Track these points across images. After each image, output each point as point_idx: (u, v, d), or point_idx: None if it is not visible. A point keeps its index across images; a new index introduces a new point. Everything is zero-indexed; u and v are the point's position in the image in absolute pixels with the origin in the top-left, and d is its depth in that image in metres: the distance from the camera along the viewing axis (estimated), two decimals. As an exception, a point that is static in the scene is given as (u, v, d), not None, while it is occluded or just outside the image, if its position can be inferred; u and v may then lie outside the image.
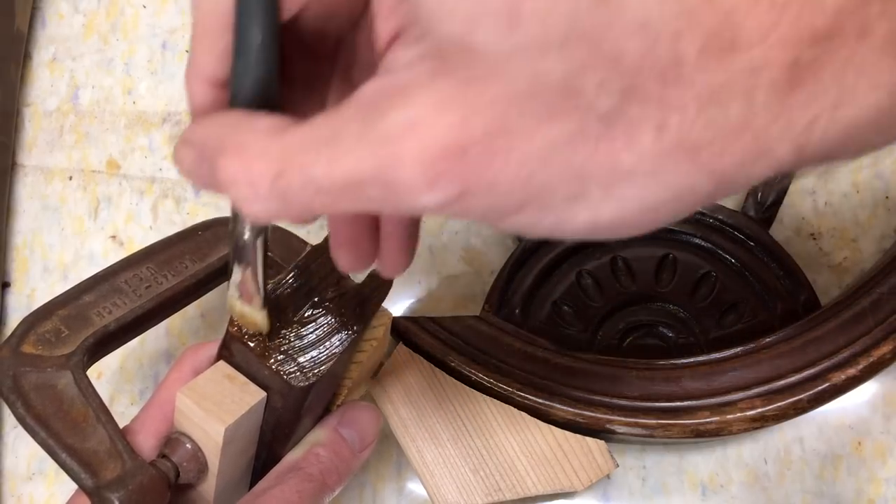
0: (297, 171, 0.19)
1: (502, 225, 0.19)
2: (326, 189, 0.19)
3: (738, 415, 0.37)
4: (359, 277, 0.32)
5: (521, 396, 0.38)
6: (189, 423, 0.30)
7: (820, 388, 0.38)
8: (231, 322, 0.30)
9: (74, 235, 0.45)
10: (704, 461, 0.41)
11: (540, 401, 0.38)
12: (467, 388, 0.39)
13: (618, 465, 0.38)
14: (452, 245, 0.44)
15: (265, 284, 0.28)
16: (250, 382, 0.30)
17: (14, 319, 0.44)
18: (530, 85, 0.17)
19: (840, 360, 0.38)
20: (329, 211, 0.20)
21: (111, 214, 0.46)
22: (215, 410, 0.29)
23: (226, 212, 0.45)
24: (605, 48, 0.17)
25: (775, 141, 0.17)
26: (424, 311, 0.43)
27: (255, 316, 0.29)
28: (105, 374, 0.43)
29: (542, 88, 0.17)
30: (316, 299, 0.31)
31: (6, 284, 0.45)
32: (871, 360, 0.38)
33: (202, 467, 0.30)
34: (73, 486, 0.32)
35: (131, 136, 0.47)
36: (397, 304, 0.43)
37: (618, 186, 0.18)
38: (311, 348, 0.30)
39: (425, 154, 0.17)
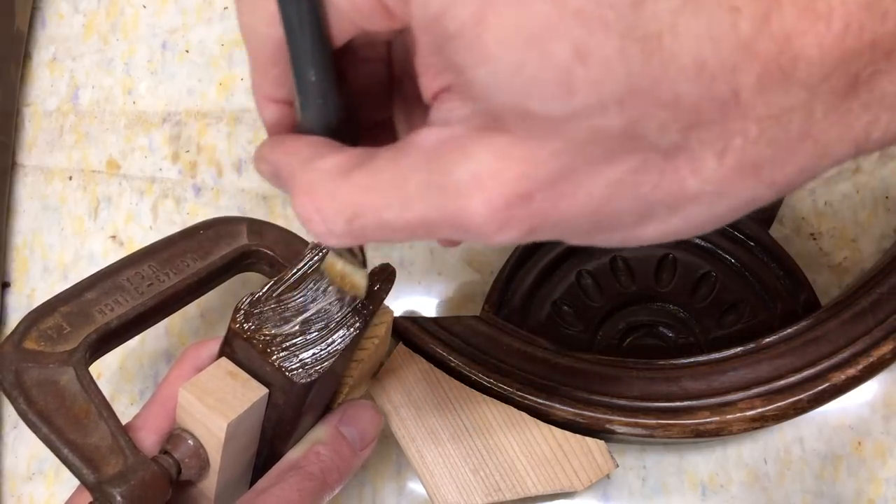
0: (370, 215, 0.20)
1: (571, 243, 0.20)
2: (400, 228, 0.20)
3: (738, 415, 0.37)
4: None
5: (521, 396, 0.38)
6: (191, 419, 0.30)
7: (820, 388, 0.38)
8: (233, 319, 0.30)
9: (74, 235, 0.45)
10: (704, 461, 0.41)
11: (540, 401, 0.38)
12: (467, 388, 0.39)
13: (618, 465, 0.38)
14: (452, 245, 0.44)
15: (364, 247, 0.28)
16: (252, 379, 0.30)
17: (14, 319, 0.44)
18: (590, 137, 0.18)
19: (840, 360, 0.38)
20: (401, 241, 0.22)
21: (111, 214, 0.46)
22: (217, 406, 0.29)
23: (226, 212, 0.45)
24: (663, 96, 0.17)
25: (835, 143, 0.18)
26: (424, 311, 0.43)
27: (356, 276, 0.29)
28: (105, 374, 0.43)
29: (603, 137, 0.18)
30: (318, 296, 0.31)
31: (6, 284, 0.45)
32: (871, 360, 0.38)
33: (204, 464, 0.30)
34: (73, 487, 0.32)
35: (131, 136, 0.47)
36: (397, 305, 0.43)
37: (684, 207, 0.19)
38: (312, 345, 0.30)
39: (492, 204, 0.18)
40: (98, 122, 0.47)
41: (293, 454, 0.32)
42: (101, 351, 0.33)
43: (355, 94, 0.26)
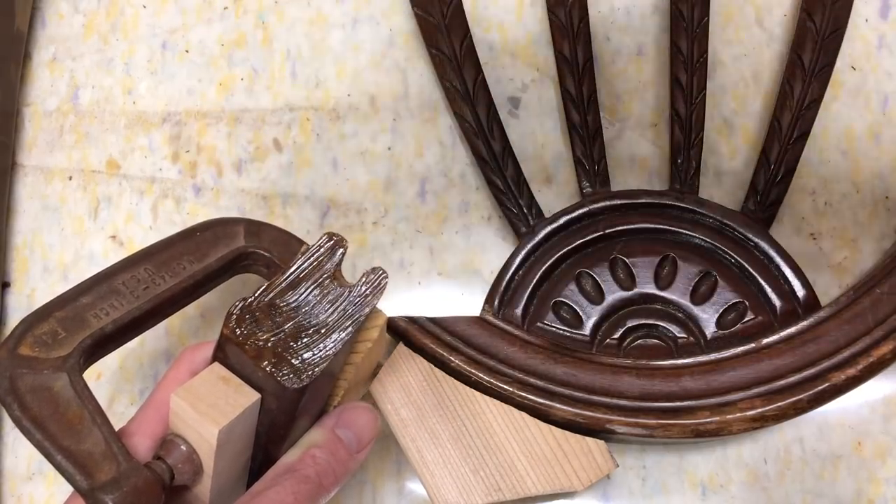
0: None
1: None
2: None
3: (738, 415, 0.37)
4: (354, 278, 0.32)
5: (521, 396, 0.38)
6: (184, 424, 0.30)
7: (820, 388, 0.38)
8: (225, 324, 0.30)
9: (74, 235, 0.45)
10: (704, 461, 0.41)
11: (540, 401, 0.38)
12: (467, 388, 0.39)
13: (618, 465, 0.38)
14: (452, 245, 0.44)
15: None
16: (244, 384, 0.30)
17: (14, 319, 0.44)
18: None
19: (840, 360, 0.38)
20: None
21: (111, 214, 0.46)
22: (209, 412, 0.29)
23: (225, 212, 0.45)
24: None
25: None
26: (424, 311, 0.43)
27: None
28: (105, 374, 0.43)
29: None
30: (309, 300, 0.31)
31: (6, 284, 0.45)
32: (871, 360, 0.38)
33: (197, 469, 0.30)
34: (73, 491, 0.32)
35: (131, 136, 0.47)
36: (397, 305, 0.43)
37: None
38: (304, 350, 0.30)
39: None
40: (98, 122, 0.47)
41: (288, 457, 0.32)
42: (97, 356, 0.33)
43: None
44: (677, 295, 0.41)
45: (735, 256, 0.41)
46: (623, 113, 0.45)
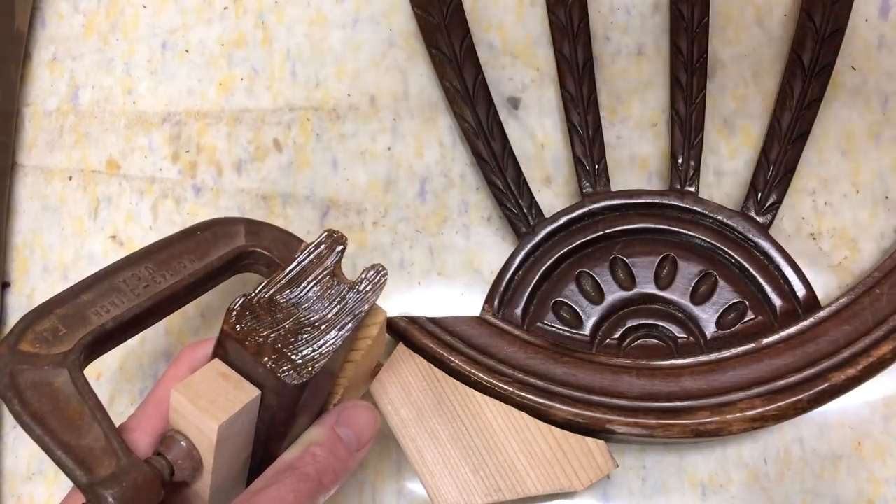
0: None
1: None
2: None
3: (738, 415, 0.37)
4: (354, 277, 0.32)
5: (520, 396, 0.38)
6: (184, 420, 0.30)
7: (820, 388, 0.38)
8: (225, 320, 0.30)
9: (74, 235, 0.45)
10: (704, 461, 0.41)
11: (540, 401, 0.38)
12: (467, 388, 0.39)
13: (618, 465, 0.38)
14: (452, 245, 0.44)
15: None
16: (244, 380, 0.30)
17: (14, 319, 0.44)
18: None
19: (840, 360, 0.38)
20: None
21: (111, 214, 0.46)
22: (209, 408, 0.29)
23: (225, 212, 0.45)
24: None
25: None
26: (424, 311, 0.43)
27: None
28: (105, 374, 0.43)
29: None
30: (309, 297, 0.31)
31: (6, 284, 0.45)
32: (871, 360, 0.38)
33: (197, 465, 0.30)
34: (73, 487, 0.32)
35: (131, 136, 0.47)
36: (397, 305, 0.43)
37: None
38: (304, 346, 0.30)
39: None
40: (98, 122, 0.47)
41: (288, 455, 0.32)
42: (97, 353, 0.33)
43: None
44: (677, 295, 0.41)
45: (735, 256, 0.41)
46: (623, 113, 0.45)
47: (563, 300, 0.41)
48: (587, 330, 0.41)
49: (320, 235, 0.33)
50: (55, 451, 0.29)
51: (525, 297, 0.41)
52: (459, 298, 0.43)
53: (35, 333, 0.32)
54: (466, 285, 0.43)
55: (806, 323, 0.39)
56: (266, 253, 0.37)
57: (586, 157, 0.43)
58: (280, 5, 0.48)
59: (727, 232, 0.42)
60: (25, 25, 0.48)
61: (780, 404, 0.37)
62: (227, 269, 0.37)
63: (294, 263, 0.32)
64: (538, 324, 0.41)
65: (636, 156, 0.45)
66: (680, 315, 0.41)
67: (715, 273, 0.41)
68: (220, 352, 0.31)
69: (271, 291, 0.31)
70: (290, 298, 0.31)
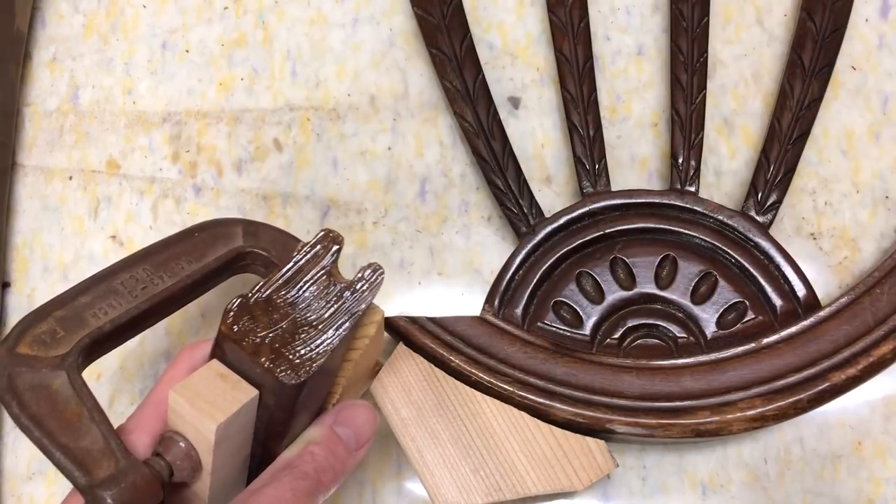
0: None
1: None
2: None
3: (738, 415, 0.37)
4: (350, 274, 0.32)
5: (520, 396, 0.38)
6: (182, 421, 0.30)
7: (820, 388, 0.38)
8: (223, 321, 0.30)
9: (74, 235, 0.45)
10: (704, 461, 0.41)
11: (540, 401, 0.38)
12: (467, 388, 0.39)
13: (618, 465, 0.38)
14: (452, 245, 0.44)
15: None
16: (242, 380, 0.30)
17: (14, 319, 0.44)
18: None
19: (840, 360, 0.38)
20: None
21: (111, 214, 0.46)
22: (207, 408, 0.29)
23: (226, 212, 0.45)
24: None
25: None
26: (424, 311, 0.43)
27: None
28: (105, 374, 0.43)
29: None
30: (306, 297, 0.31)
31: (6, 284, 0.45)
32: (871, 360, 0.38)
33: (196, 466, 0.30)
34: (72, 488, 0.32)
35: (131, 136, 0.47)
36: (397, 305, 0.43)
37: None
38: (302, 346, 0.30)
39: None
40: (98, 122, 0.47)
41: (287, 454, 0.32)
42: (95, 355, 0.33)
43: None
44: (677, 295, 0.41)
45: (735, 256, 0.41)
46: (623, 113, 0.45)
47: (564, 300, 0.41)
48: (587, 330, 0.41)
49: (317, 235, 0.33)
50: (54, 453, 0.29)
51: (525, 297, 0.41)
52: (460, 298, 0.43)
53: (33, 336, 0.32)
54: (466, 285, 0.43)
55: (806, 323, 0.39)
56: (264, 253, 0.37)
57: (586, 156, 0.43)
58: (280, 5, 0.48)
59: (727, 232, 0.42)
60: (25, 25, 0.48)
61: (780, 404, 0.37)
62: (225, 270, 0.37)
63: (291, 263, 0.32)
64: (538, 324, 0.41)
65: (636, 156, 0.45)
66: (680, 315, 0.41)
67: (715, 273, 0.41)
68: (217, 352, 0.31)
69: (268, 291, 0.31)
70: (288, 298, 0.31)
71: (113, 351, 0.34)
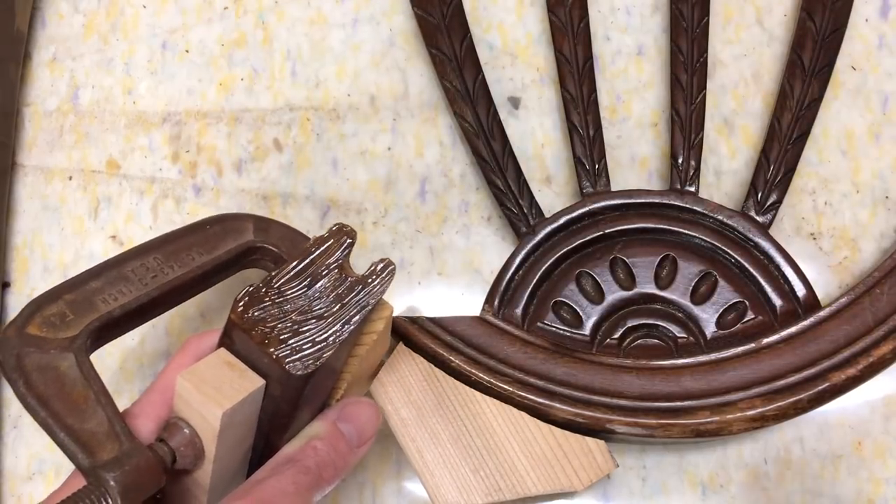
0: None
1: None
2: None
3: (738, 415, 0.37)
4: (361, 268, 0.33)
5: (520, 396, 0.38)
6: (188, 407, 0.30)
7: (820, 388, 0.38)
8: (233, 309, 0.30)
9: (74, 235, 0.45)
10: (704, 461, 0.41)
11: (540, 401, 0.38)
12: (467, 388, 0.39)
13: (618, 465, 0.38)
14: (452, 245, 0.44)
15: None
16: (249, 370, 0.31)
17: (14, 319, 0.44)
18: None
19: (840, 360, 0.38)
20: None
21: (111, 214, 0.46)
22: (214, 395, 0.29)
23: (226, 212, 0.45)
24: None
25: None
26: (424, 311, 0.43)
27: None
28: (105, 374, 0.43)
29: None
30: (317, 289, 0.31)
31: (6, 284, 0.45)
32: (871, 360, 0.38)
33: (199, 453, 0.31)
34: (73, 470, 0.32)
35: (131, 136, 0.47)
36: (397, 305, 0.43)
37: None
38: (310, 338, 0.30)
39: None
40: (98, 122, 0.47)
41: (290, 448, 0.32)
42: (103, 339, 0.33)
43: None
44: (677, 295, 0.41)
45: (735, 256, 0.41)
46: (623, 113, 0.45)
47: (564, 300, 0.41)
48: (587, 330, 0.41)
49: (330, 229, 0.33)
50: (58, 434, 0.29)
51: (525, 297, 0.41)
52: (459, 298, 0.43)
53: (43, 318, 0.32)
54: (466, 285, 0.43)
55: (806, 323, 0.39)
56: (274, 249, 0.37)
57: (586, 156, 0.43)
58: (280, 5, 0.48)
59: (727, 232, 0.42)
60: (25, 25, 0.48)
61: (780, 404, 0.37)
62: (234, 264, 0.37)
63: (303, 256, 0.32)
64: (538, 324, 0.41)
65: (636, 156, 0.45)
66: (680, 315, 0.41)
67: (715, 273, 0.41)
68: (226, 341, 0.31)
69: (279, 283, 0.31)
70: (298, 290, 0.31)
71: (113, 351, 0.34)
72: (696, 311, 0.41)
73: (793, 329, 0.39)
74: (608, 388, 0.38)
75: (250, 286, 0.31)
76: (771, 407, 0.37)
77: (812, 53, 0.43)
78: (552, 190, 0.45)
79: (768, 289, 0.41)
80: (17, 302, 0.45)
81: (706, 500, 0.40)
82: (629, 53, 0.46)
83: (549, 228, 0.42)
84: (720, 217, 0.42)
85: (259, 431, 0.32)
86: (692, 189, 0.42)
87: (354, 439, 0.33)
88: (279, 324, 0.30)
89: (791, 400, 0.37)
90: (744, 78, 0.46)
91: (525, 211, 0.42)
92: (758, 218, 0.42)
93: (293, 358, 0.30)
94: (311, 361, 0.30)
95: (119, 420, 0.30)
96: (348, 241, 0.33)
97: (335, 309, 0.31)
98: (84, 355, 0.32)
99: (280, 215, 0.45)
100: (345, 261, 0.32)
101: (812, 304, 0.40)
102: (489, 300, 0.41)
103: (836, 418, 0.41)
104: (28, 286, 0.45)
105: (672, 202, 0.42)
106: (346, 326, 0.31)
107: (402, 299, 0.43)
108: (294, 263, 0.32)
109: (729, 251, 0.41)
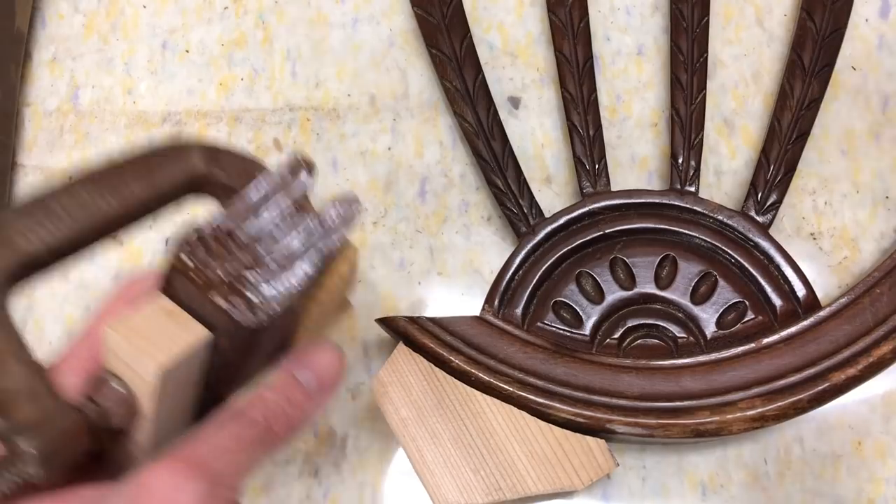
0: None
1: None
2: None
3: (738, 415, 0.37)
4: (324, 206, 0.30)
5: (520, 396, 0.38)
6: (119, 361, 0.26)
7: (820, 388, 0.38)
8: (173, 252, 0.27)
9: (74, 235, 0.45)
10: (704, 461, 0.41)
11: (540, 401, 0.38)
12: (467, 388, 0.39)
13: (618, 464, 0.38)
14: (452, 245, 0.44)
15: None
16: (193, 320, 0.27)
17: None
18: None
19: (840, 360, 0.38)
20: None
21: (111, 214, 0.45)
22: (149, 349, 0.26)
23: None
24: None
25: None
26: (424, 311, 0.43)
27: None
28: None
29: None
30: (271, 229, 0.28)
31: (6, 284, 0.45)
32: (871, 360, 0.38)
33: (133, 412, 0.27)
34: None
35: (131, 136, 0.47)
36: (397, 305, 0.43)
37: None
38: (263, 284, 0.27)
39: None
40: (98, 122, 0.47)
41: (237, 401, 0.29)
42: (24, 280, 0.29)
43: None
44: (677, 295, 0.41)
45: (735, 256, 0.41)
46: (623, 113, 0.45)
47: (564, 300, 0.41)
48: (587, 330, 0.41)
49: (286, 159, 0.29)
50: None
51: (525, 297, 0.41)
52: (459, 298, 0.43)
53: None
54: (466, 285, 0.43)
55: (806, 323, 0.39)
56: (224, 181, 0.32)
57: (586, 156, 0.43)
58: (280, 5, 0.48)
59: (727, 232, 0.42)
60: (25, 25, 0.48)
61: (780, 404, 0.37)
62: (178, 195, 0.32)
63: (255, 190, 0.28)
64: (538, 324, 0.41)
65: (636, 156, 0.45)
66: (680, 315, 0.41)
67: (715, 273, 0.41)
68: (166, 288, 0.27)
69: (228, 221, 0.27)
70: (250, 230, 0.27)
71: (44, 276, 0.31)
72: (696, 311, 0.41)
73: (793, 329, 0.39)
74: (608, 388, 0.38)
75: (195, 226, 0.27)
76: (771, 407, 0.37)
77: (812, 53, 0.43)
78: (552, 190, 0.45)
79: (768, 289, 0.41)
80: (16, 302, 0.45)
81: (706, 500, 0.40)
82: (629, 53, 0.46)
83: (549, 228, 0.42)
84: (720, 217, 0.42)
85: (206, 385, 0.29)
86: (692, 189, 0.42)
87: (313, 386, 0.29)
88: (228, 268, 0.26)
89: (791, 400, 0.37)
90: (744, 78, 0.46)
91: (525, 211, 0.42)
92: (758, 218, 0.42)
93: (244, 307, 0.26)
94: (263, 311, 0.26)
95: (40, 377, 0.26)
96: (307, 173, 0.28)
97: (292, 252, 0.27)
98: None
99: (280, 215, 0.45)
100: (304, 197, 0.28)
101: (812, 304, 0.40)
102: (489, 300, 0.41)
103: (836, 418, 0.41)
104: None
105: (672, 202, 0.42)
106: (305, 271, 0.27)
107: (402, 299, 0.43)
108: (244, 200, 0.28)
109: (729, 251, 0.41)
